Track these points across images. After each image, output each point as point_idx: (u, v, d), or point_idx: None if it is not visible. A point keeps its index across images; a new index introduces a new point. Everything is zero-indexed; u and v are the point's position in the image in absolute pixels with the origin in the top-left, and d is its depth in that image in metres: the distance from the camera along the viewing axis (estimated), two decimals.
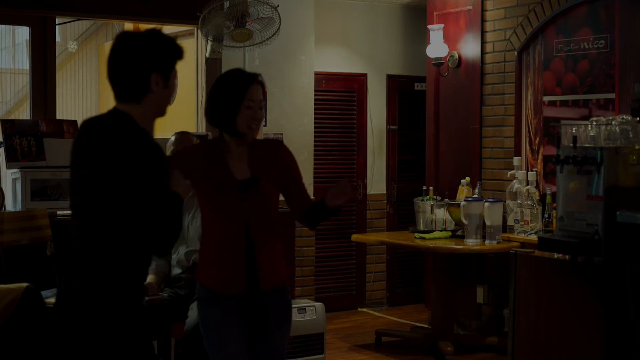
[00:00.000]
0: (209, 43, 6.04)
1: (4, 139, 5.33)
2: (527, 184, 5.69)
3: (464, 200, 5.80)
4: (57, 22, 6.06)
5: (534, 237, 5.29)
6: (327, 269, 7.28)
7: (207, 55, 6.25)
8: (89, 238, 2.72)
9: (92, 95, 9.49)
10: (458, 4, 6.45)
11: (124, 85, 2.78)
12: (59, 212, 5.45)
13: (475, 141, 6.29)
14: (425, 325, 6.72)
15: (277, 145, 3.48)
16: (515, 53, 5.98)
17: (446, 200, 6.12)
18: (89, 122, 2.82)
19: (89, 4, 5.93)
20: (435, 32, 6.42)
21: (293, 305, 5.44)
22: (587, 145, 4.06)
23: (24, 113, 9.01)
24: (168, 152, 4.67)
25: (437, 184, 6.57)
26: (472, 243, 5.68)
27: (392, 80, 7.61)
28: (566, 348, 4.16)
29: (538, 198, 5.60)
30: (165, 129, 5.29)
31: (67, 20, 8.18)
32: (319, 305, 5.57)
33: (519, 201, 5.65)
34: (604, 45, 5.40)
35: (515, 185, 5.74)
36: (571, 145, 4.06)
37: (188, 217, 4.61)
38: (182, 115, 6.33)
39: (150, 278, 4.61)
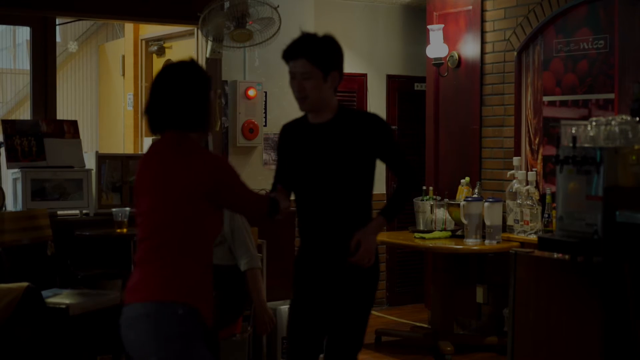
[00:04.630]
0: (209, 43, 6.04)
1: (4, 139, 5.34)
2: (527, 184, 5.69)
3: (464, 200, 5.80)
4: (57, 22, 6.06)
5: (533, 237, 5.29)
6: None
7: (207, 55, 6.25)
8: None
9: (92, 95, 9.47)
10: (458, 4, 6.45)
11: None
12: (59, 212, 5.46)
13: (475, 141, 6.30)
14: (425, 325, 6.71)
15: None
16: (515, 53, 5.98)
17: (446, 200, 6.12)
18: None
19: (89, 4, 5.93)
20: (435, 32, 6.42)
21: None
22: (586, 145, 4.06)
23: (25, 113, 9.01)
24: None
25: (437, 184, 6.57)
26: (471, 243, 5.68)
27: (392, 80, 7.60)
28: (566, 348, 4.16)
29: (538, 198, 5.61)
30: None
31: (68, 20, 8.18)
32: None
33: (518, 201, 5.66)
34: (604, 46, 5.41)
35: (515, 185, 5.74)
36: (571, 145, 4.06)
37: None
38: None
39: None
